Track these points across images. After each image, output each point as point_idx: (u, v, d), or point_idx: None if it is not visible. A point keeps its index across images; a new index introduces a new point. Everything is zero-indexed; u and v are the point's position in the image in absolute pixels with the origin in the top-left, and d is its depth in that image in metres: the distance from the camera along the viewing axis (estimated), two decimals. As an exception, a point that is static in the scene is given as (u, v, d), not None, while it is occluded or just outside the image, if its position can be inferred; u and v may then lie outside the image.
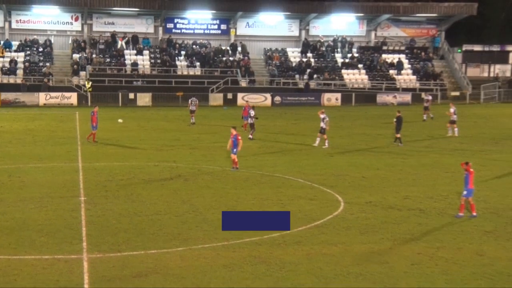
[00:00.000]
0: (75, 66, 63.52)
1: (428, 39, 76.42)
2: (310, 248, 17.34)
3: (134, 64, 65.55)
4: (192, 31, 71.38)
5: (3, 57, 63.81)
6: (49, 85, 60.36)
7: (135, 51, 67.50)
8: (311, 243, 17.74)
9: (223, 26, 71.87)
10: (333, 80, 67.85)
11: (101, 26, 69.11)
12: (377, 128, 43.35)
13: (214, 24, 71.84)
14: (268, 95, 62.92)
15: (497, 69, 75.85)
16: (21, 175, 26.84)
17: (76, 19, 68.50)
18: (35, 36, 66.65)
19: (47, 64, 63.56)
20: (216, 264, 16.02)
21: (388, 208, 21.88)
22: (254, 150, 33.96)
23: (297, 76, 68.10)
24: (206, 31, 71.56)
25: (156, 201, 22.47)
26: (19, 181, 25.70)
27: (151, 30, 70.30)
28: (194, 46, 69.08)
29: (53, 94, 59.33)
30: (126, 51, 67.27)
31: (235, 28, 71.87)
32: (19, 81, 61.60)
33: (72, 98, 59.59)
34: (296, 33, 73.49)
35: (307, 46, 71.86)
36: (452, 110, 40.75)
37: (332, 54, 72.18)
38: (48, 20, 67.71)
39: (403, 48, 74.76)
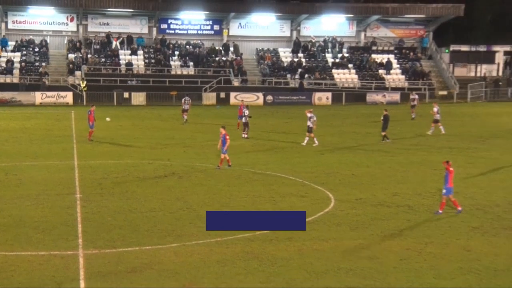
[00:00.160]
0: (70, 65, 63.37)
1: (417, 39, 76.56)
2: (301, 244, 17.38)
3: (129, 64, 65.41)
4: (185, 32, 71.26)
5: (-1, 57, 63.67)
6: (48, 85, 60.16)
7: (129, 51, 67.36)
8: (302, 239, 17.77)
9: (216, 27, 71.80)
10: (324, 80, 67.89)
11: (96, 26, 68.88)
12: (366, 127, 43.41)
13: (207, 25, 71.74)
14: (260, 94, 62.89)
15: (484, 69, 76.09)
16: (17, 173, 26.77)
17: (72, 20, 68.26)
18: (31, 36, 66.38)
19: (43, 64, 63.32)
20: (209, 260, 16.03)
21: (378, 205, 21.94)
22: (247, 148, 33.96)
23: (288, 75, 68.14)
24: (199, 32, 71.46)
25: (150, 198, 22.45)
26: (16, 178, 25.62)
27: (145, 30, 70.14)
28: (187, 46, 69.02)
29: (49, 93, 59.08)
30: (120, 51, 67.11)
31: (228, 29, 71.80)
32: (15, 80, 61.31)
33: (68, 97, 59.37)
34: (288, 34, 73.50)
35: (298, 45, 71.94)
36: (435, 109, 40.90)
37: (323, 54, 72.24)
38: (44, 21, 67.43)
39: (392, 48, 74.86)
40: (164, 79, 64.02)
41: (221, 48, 70.13)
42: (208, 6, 68.17)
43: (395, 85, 69.10)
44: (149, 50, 68.43)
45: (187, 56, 67.65)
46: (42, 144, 35.09)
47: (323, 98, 64.23)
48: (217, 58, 68.23)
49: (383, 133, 36.49)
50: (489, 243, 17.82)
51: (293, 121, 47.37)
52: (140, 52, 67.72)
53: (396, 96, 65.79)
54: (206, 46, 69.52)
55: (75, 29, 68.58)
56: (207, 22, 71.60)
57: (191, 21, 71.03)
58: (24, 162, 29.18)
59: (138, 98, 60.83)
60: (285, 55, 71.61)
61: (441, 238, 18.15)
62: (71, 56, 65.16)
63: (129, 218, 19.87)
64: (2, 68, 62.10)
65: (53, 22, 67.85)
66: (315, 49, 72.29)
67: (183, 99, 46.29)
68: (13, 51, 65.02)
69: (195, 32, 71.31)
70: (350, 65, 70.99)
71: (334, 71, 69.92)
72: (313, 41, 72.47)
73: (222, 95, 62.53)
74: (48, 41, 66.81)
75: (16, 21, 67.09)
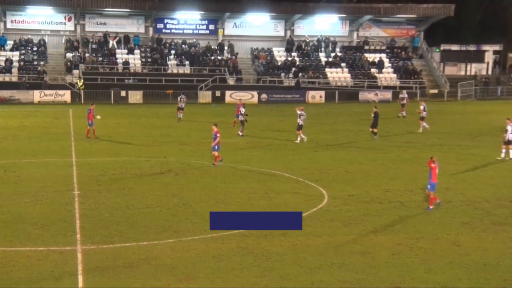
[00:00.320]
0: (68, 63, 63.21)
1: (408, 39, 76.63)
2: (295, 239, 17.39)
3: (126, 63, 65.28)
4: (181, 31, 71.15)
5: (-2, 56, 63.45)
6: (49, 84, 59.99)
7: (126, 51, 67.23)
8: (296, 234, 17.79)
9: (211, 26, 71.72)
10: (317, 79, 67.89)
11: (94, 26, 68.68)
12: (359, 125, 43.43)
13: (202, 25, 71.65)
14: (255, 93, 62.86)
15: (474, 68, 76.30)
16: (16, 170, 26.71)
17: (69, 20, 68.04)
18: (29, 36, 66.18)
19: (41, 62, 63.13)
20: (205, 255, 16.03)
21: (370, 201, 21.98)
22: (242, 146, 33.96)
23: (282, 74, 68.13)
24: (195, 31, 71.37)
25: (147, 194, 22.43)
26: (15, 175, 25.57)
27: (142, 30, 69.97)
28: (183, 46, 68.92)
29: (47, 92, 58.89)
30: (117, 50, 66.98)
31: (223, 28, 71.72)
32: (14, 79, 61.12)
33: (66, 95, 59.20)
34: (282, 33, 73.48)
35: (291, 43, 72.01)
36: (421, 107, 41.04)
37: (316, 54, 72.27)
38: (42, 20, 67.23)
39: (384, 47, 74.92)
40: (160, 77, 63.92)
41: (216, 48, 70.06)
42: (204, 6, 68.15)
43: (387, 83, 69.16)
44: (146, 49, 68.33)
45: (183, 55, 67.57)
46: (40, 141, 35.01)
47: (316, 96, 64.25)
48: (212, 57, 68.16)
49: (372, 130, 36.70)
50: (478, 238, 17.88)
51: (287, 119, 47.33)
52: (137, 51, 67.59)
53: (388, 95, 65.85)
54: (201, 46, 69.44)
55: (72, 28, 68.39)
56: (203, 22, 71.53)
57: (187, 20, 70.95)
58: (23, 160, 29.11)
59: (135, 96, 60.72)
60: (279, 54, 71.59)
61: (432, 234, 18.20)
62: (69, 55, 64.97)
63: (126, 214, 19.85)
64: (1, 67, 61.89)
65: (51, 22, 67.66)
66: (308, 48, 72.33)
67: (179, 98, 46.28)
68: (11, 50, 64.81)
69: (190, 31, 71.23)
70: (343, 64, 71.03)
71: (327, 70, 69.94)
72: (307, 40, 72.50)
73: (218, 93, 62.47)
74: (46, 41, 66.62)
75: (15, 20, 66.87)
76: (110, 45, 66.93)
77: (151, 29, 70.03)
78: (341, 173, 26.96)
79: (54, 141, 34.99)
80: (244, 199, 22.08)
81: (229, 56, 69.11)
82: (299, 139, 35.28)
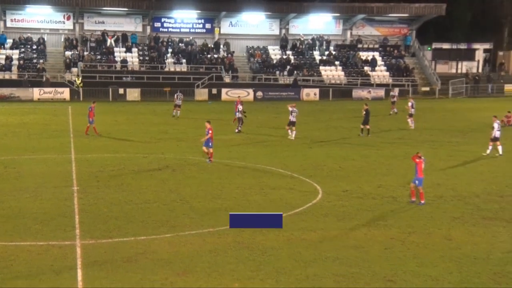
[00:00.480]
0: (67, 60, 63.10)
1: (400, 37, 76.74)
2: (290, 234, 17.39)
3: (124, 61, 65.18)
4: (178, 30, 71.11)
5: (-2, 54, 63.27)
6: (50, 81, 59.86)
7: (124, 49, 67.13)
8: (291, 229, 17.78)
9: (208, 25, 71.68)
10: (312, 76, 67.96)
11: (92, 25, 68.57)
12: (352, 122, 43.43)
13: (199, 23, 71.62)
14: (251, 90, 62.84)
15: (465, 66, 76.43)
16: (16, 166, 26.65)
17: (68, 18, 67.93)
18: (29, 34, 66.03)
19: (41, 61, 63.00)
20: (202, 250, 16.03)
21: (363, 196, 21.99)
22: (238, 142, 33.96)
23: (277, 72, 68.14)
24: (191, 30, 71.35)
25: (145, 190, 22.41)
26: (15, 172, 25.51)
27: (139, 28, 69.91)
28: (180, 44, 68.84)
29: (46, 89, 58.79)
30: (115, 49, 66.90)
31: (219, 27, 71.71)
32: (14, 77, 61.02)
33: (65, 93, 59.08)
34: (277, 32, 73.51)
35: (285, 41, 72.03)
36: (410, 104, 41.09)
37: (311, 52, 72.32)
38: (41, 19, 67.10)
39: (377, 46, 74.98)
40: (157, 75, 63.88)
41: (212, 46, 70.02)
42: (200, 5, 68.14)
43: (379, 81, 69.25)
44: (143, 48, 68.25)
45: (180, 54, 67.50)
46: (40, 138, 34.93)
47: (311, 94, 64.28)
48: (209, 56, 68.12)
49: (368, 126, 36.72)
50: (469, 233, 17.92)
51: (282, 116, 47.25)
52: (135, 49, 67.53)
53: (381, 92, 65.92)
54: (198, 44, 69.38)
55: (71, 27, 68.28)
56: (199, 21, 71.50)
57: (184, 19, 70.92)
58: (23, 156, 29.04)
59: (133, 94, 60.62)
60: (274, 52, 71.61)
61: (423, 228, 18.22)
62: (68, 53, 64.86)
63: (124, 209, 19.83)
64: (1, 64, 61.72)
65: (50, 21, 67.56)
66: (303, 46, 72.34)
67: (175, 95, 46.26)
68: (11, 48, 64.66)
69: (187, 30, 71.20)
70: (337, 62, 71.10)
71: (321, 68, 69.98)
72: (302, 39, 72.53)
73: (214, 91, 62.44)
74: (45, 39, 66.53)
75: (15, 19, 66.74)
76: (108, 44, 66.83)
77: (148, 28, 69.98)
78: (335, 169, 26.97)
79: (54, 138, 34.92)
80: (240, 194, 22.07)
81: (225, 54, 69.08)
82: (293, 134, 35.27)
